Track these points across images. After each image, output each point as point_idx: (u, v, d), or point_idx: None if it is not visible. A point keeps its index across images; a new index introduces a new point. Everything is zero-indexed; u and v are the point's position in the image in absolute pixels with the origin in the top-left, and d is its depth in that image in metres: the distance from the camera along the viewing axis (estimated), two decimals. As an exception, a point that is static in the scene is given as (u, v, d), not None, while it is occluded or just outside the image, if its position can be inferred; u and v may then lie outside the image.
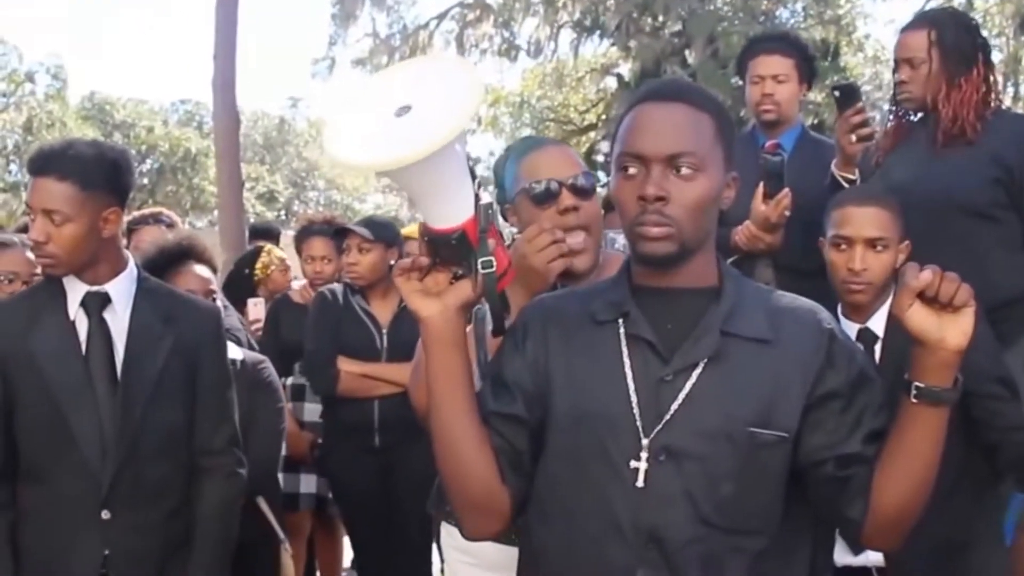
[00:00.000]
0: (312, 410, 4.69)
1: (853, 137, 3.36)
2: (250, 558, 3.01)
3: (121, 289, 2.61)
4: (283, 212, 38.93)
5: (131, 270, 2.66)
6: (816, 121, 15.57)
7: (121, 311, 2.60)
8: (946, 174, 3.28)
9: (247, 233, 8.40)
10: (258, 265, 5.33)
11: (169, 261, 3.29)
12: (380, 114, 1.72)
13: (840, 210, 2.79)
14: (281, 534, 3.48)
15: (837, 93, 3.46)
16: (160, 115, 38.54)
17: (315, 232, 4.91)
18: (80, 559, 2.52)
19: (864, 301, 2.74)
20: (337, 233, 4.75)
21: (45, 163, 2.52)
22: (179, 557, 2.65)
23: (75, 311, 2.57)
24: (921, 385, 1.64)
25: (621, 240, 3.33)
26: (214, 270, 3.63)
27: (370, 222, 4.54)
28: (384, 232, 4.34)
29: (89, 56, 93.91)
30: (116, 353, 2.56)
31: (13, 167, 32.00)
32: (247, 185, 20.00)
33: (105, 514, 2.51)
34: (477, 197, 1.78)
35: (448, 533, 2.44)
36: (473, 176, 1.80)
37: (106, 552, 2.52)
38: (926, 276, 1.60)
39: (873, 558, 2.57)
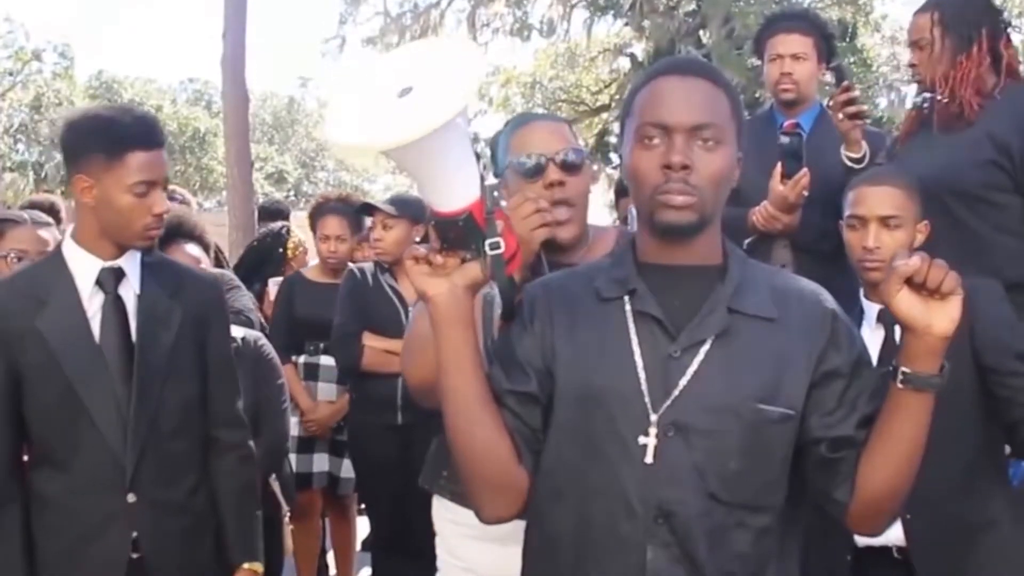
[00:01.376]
0: (325, 389, 4.69)
1: (840, 115, 3.37)
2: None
3: (131, 264, 2.55)
4: (292, 192, 38.98)
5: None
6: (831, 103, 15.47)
7: (132, 286, 2.54)
8: (939, 157, 3.26)
9: (256, 213, 8.40)
10: (290, 244, 5.34)
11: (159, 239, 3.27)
12: (382, 96, 1.70)
13: (854, 191, 2.81)
14: (284, 504, 3.50)
15: (831, 75, 3.47)
16: (168, 94, 38.64)
17: (330, 210, 4.89)
18: (109, 544, 2.48)
19: (880, 279, 2.71)
20: (361, 210, 4.75)
21: (159, 134, 2.51)
22: (205, 533, 2.64)
23: (88, 288, 2.50)
24: (907, 371, 1.65)
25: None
26: (206, 248, 3.60)
27: (395, 199, 4.55)
28: (408, 208, 4.35)
29: (97, 34, 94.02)
30: (130, 329, 2.52)
31: (20, 146, 32.05)
32: (256, 165, 20.02)
33: (131, 497, 2.47)
34: (482, 178, 1.76)
35: (440, 505, 2.43)
36: (477, 157, 1.77)
37: (135, 534, 2.48)
38: (914, 262, 1.60)
39: (893, 537, 2.59)
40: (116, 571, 2.47)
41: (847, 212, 2.80)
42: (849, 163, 3.38)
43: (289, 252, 5.34)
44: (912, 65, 3.44)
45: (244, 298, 4.15)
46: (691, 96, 1.74)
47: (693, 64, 1.84)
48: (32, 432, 2.49)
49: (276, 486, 3.48)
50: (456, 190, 1.72)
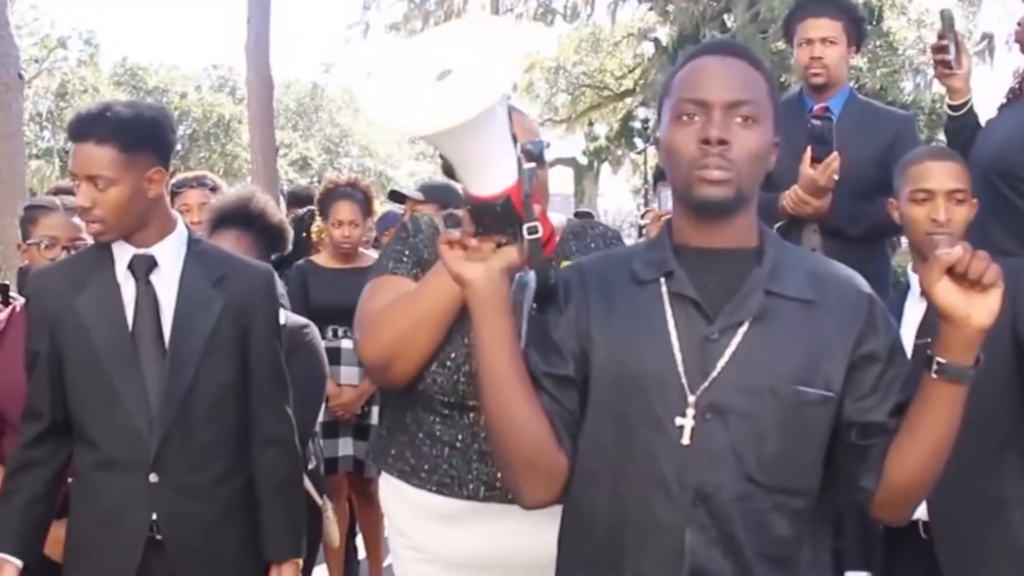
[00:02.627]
0: (348, 373, 4.68)
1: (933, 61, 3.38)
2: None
3: (168, 251, 2.58)
4: (316, 179, 39.03)
5: (180, 232, 2.62)
6: (856, 86, 15.38)
7: (169, 274, 2.57)
8: (998, 134, 3.22)
9: (282, 199, 8.41)
10: (313, 228, 5.33)
11: (212, 225, 3.28)
12: (420, 78, 1.70)
13: (918, 165, 2.80)
14: (319, 500, 3.47)
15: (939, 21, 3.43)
16: (193, 81, 38.75)
17: (341, 195, 4.85)
18: (128, 521, 2.51)
19: None
20: (392, 197, 4.74)
21: (84, 128, 2.49)
22: (231, 524, 2.63)
23: (122, 274, 2.55)
24: (943, 361, 1.64)
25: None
26: (267, 229, 3.57)
27: (424, 185, 4.53)
28: (437, 194, 4.33)
29: (121, 21, 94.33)
30: (163, 317, 2.55)
31: (46, 133, 32.20)
32: (280, 152, 20.03)
33: (153, 477, 2.50)
34: (520, 162, 1.75)
35: (390, 485, 2.41)
36: (514, 140, 1.77)
37: (154, 516, 2.51)
38: (957, 251, 1.59)
39: (921, 513, 2.59)
40: (135, 549, 2.50)
41: (908, 187, 2.79)
42: (949, 111, 3.38)
43: (313, 236, 5.34)
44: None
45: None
46: (729, 74, 1.74)
47: (731, 45, 1.85)
48: (69, 409, 2.55)
49: (308, 483, 3.44)
50: (494, 174, 1.72)
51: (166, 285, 2.56)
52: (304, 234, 5.38)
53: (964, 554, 2.62)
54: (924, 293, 2.63)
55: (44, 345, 2.54)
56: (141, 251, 2.55)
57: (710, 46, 1.84)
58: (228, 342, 2.60)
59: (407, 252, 2.33)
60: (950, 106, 3.38)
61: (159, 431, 2.49)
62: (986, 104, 3.44)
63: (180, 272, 2.58)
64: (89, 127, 2.48)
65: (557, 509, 1.88)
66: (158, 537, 2.51)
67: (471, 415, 2.23)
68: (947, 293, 1.61)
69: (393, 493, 2.39)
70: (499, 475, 2.21)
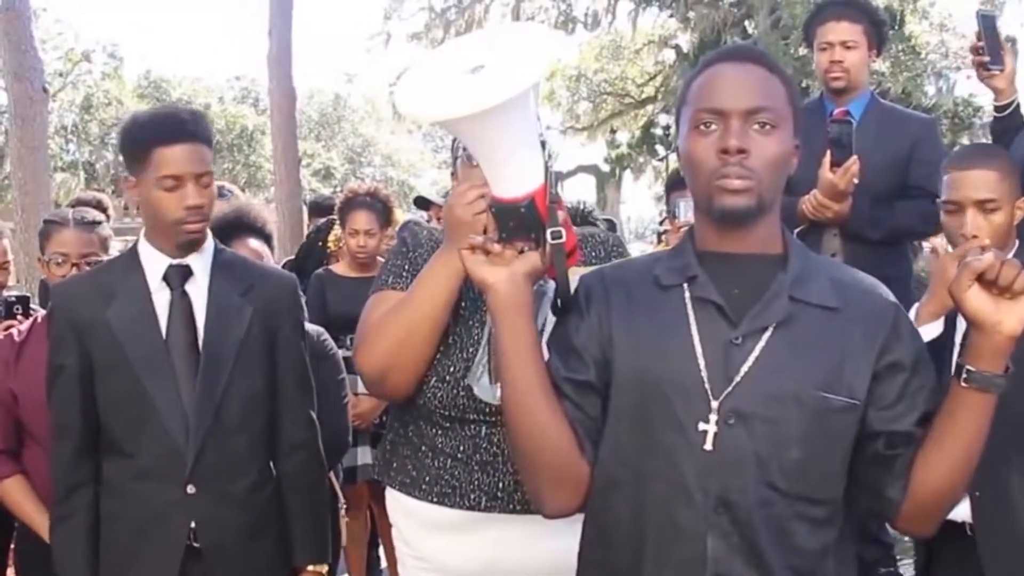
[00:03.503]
0: (366, 381, 4.67)
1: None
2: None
3: (201, 261, 2.59)
4: (339, 188, 39.07)
5: (209, 242, 2.64)
6: (879, 91, 15.32)
7: (201, 284, 2.58)
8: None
9: (304, 209, 8.44)
10: (330, 238, 5.33)
11: (224, 232, 3.28)
12: (454, 73, 1.71)
13: (948, 175, 2.77)
14: (342, 498, 3.50)
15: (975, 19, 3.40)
16: (216, 92, 38.88)
17: (359, 205, 4.86)
18: (167, 531, 2.51)
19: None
20: (418, 203, 4.73)
21: (189, 129, 2.52)
22: (267, 529, 2.65)
23: (156, 284, 2.55)
24: (972, 369, 1.61)
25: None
26: (268, 240, 3.60)
27: (449, 192, 4.53)
28: None
29: (145, 34, 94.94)
30: (197, 326, 2.56)
31: (71, 146, 32.39)
32: (303, 162, 20.14)
33: (191, 488, 2.50)
34: (547, 165, 1.75)
35: (394, 498, 2.42)
36: (543, 145, 1.76)
37: (192, 524, 2.52)
38: (987, 259, 1.58)
39: (962, 513, 2.57)
40: (173, 559, 2.50)
41: (943, 196, 2.77)
42: (995, 112, 3.37)
43: (331, 245, 5.34)
44: None
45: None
46: (746, 81, 1.72)
47: (747, 51, 1.82)
48: (101, 420, 2.54)
49: (335, 480, 3.48)
50: (520, 174, 1.72)
51: (198, 295, 2.57)
52: (321, 243, 5.40)
53: (1009, 556, 2.58)
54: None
55: (72, 358, 2.53)
56: (176, 261, 2.56)
57: (726, 52, 1.82)
58: (258, 350, 2.61)
59: (406, 267, 2.34)
60: (995, 107, 3.36)
61: (195, 442, 2.49)
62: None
63: (208, 281, 2.59)
64: (193, 128, 2.52)
65: (559, 519, 1.87)
66: (195, 545, 2.52)
67: (472, 427, 2.25)
68: (977, 301, 1.59)
69: (397, 505, 2.41)
70: (500, 485, 2.23)
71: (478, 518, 2.26)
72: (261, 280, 2.69)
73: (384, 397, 2.33)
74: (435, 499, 2.28)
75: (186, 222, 2.51)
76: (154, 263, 2.56)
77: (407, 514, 2.37)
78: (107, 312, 2.51)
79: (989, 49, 3.26)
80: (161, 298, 2.55)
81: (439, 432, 2.29)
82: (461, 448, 2.26)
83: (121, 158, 2.61)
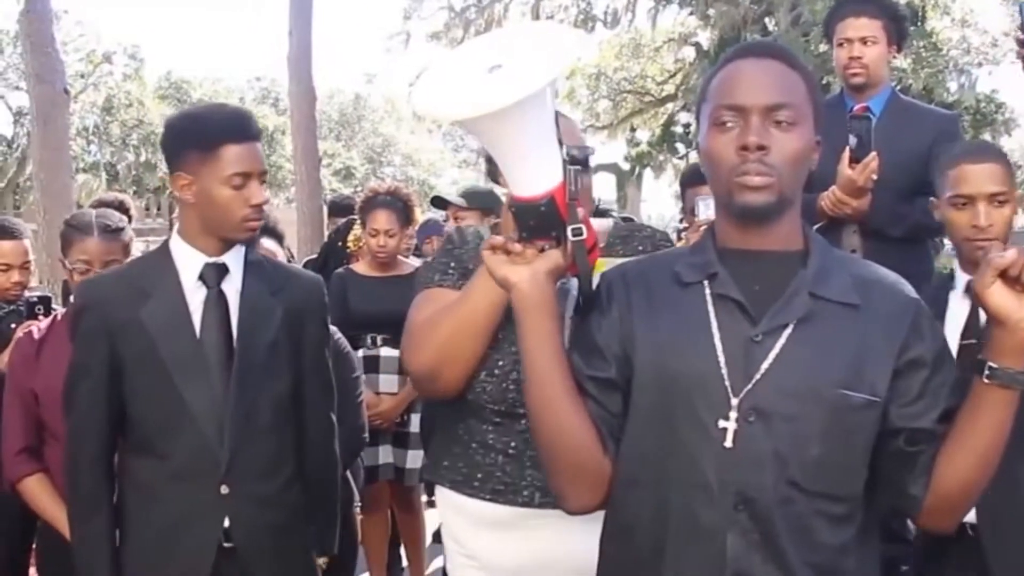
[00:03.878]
0: (387, 381, 4.69)
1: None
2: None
3: (235, 261, 2.60)
4: (359, 188, 39.18)
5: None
6: (900, 87, 15.22)
7: (235, 282, 2.58)
8: None
9: (325, 209, 8.45)
10: (350, 238, 5.34)
11: None
12: (472, 71, 1.71)
13: (956, 169, 2.76)
14: (357, 497, 3.51)
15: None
16: (236, 93, 39.01)
17: (379, 204, 4.86)
18: (200, 531, 2.52)
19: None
20: (435, 203, 4.74)
21: (252, 128, 2.56)
22: (299, 526, 2.67)
23: (191, 282, 2.55)
24: (995, 366, 1.62)
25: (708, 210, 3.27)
26: (280, 240, 3.62)
27: (466, 191, 4.54)
28: (479, 199, 4.35)
29: (165, 36, 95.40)
30: (231, 326, 2.56)
31: (92, 147, 32.53)
32: (323, 162, 20.15)
33: (224, 489, 2.51)
34: (565, 163, 1.74)
35: (444, 495, 2.43)
36: (560, 143, 1.75)
37: (226, 524, 2.53)
38: (1011, 255, 1.58)
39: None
40: (206, 559, 2.51)
41: (948, 191, 2.76)
42: None
43: (351, 244, 5.35)
44: None
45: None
46: (765, 77, 1.72)
47: (767, 46, 1.83)
48: (132, 420, 2.54)
49: (351, 478, 3.49)
50: (539, 173, 1.72)
51: (233, 294, 2.57)
52: (340, 243, 5.41)
53: (1014, 555, 2.57)
54: (968, 292, 2.62)
55: (99, 359, 2.52)
56: (212, 259, 2.56)
57: (745, 48, 1.81)
58: (287, 351, 2.62)
59: (452, 264, 2.33)
60: None
61: (229, 442, 2.50)
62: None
63: (241, 280, 2.59)
64: (256, 128, 2.57)
65: None
66: (226, 545, 2.52)
67: (523, 421, 2.22)
68: (1000, 297, 1.59)
69: (448, 503, 2.41)
70: None
71: (530, 514, 2.26)
72: (290, 281, 2.70)
73: (435, 395, 2.32)
74: (487, 496, 2.28)
75: (250, 219, 2.52)
76: (189, 262, 2.56)
77: (458, 511, 2.38)
78: (141, 312, 2.50)
79: None
80: (196, 297, 2.54)
81: (490, 428, 2.29)
82: (513, 444, 2.26)
83: (165, 155, 2.60)
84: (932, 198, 2.86)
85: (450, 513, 2.42)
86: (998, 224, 2.69)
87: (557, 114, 1.87)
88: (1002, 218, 2.70)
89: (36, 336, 3.05)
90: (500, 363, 2.23)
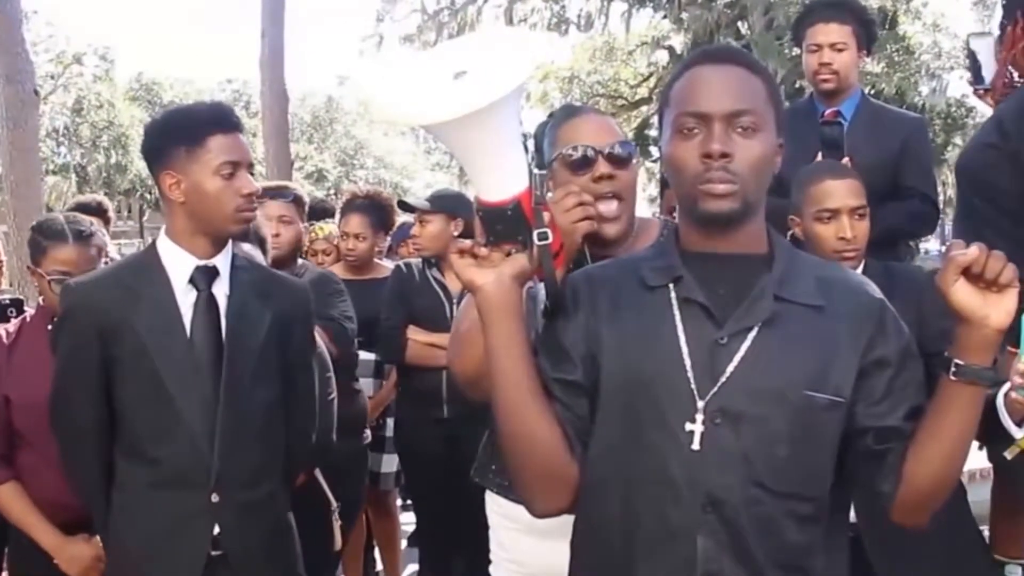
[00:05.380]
0: (363, 384, 4.68)
1: None
2: (303, 525, 3.00)
3: (225, 262, 2.57)
4: (332, 191, 39.09)
5: (229, 244, 2.62)
6: (873, 91, 15.33)
7: (224, 285, 2.56)
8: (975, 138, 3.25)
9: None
10: (305, 239, 5.31)
11: None
12: (436, 78, 1.71)
13: (819, 185, 2.89)
14: (332, 500, 3.49)
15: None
16: (207, 95, 38.84)
17: (354, 208, 4.87)
18: (190, 538, 2.50)
19: (857, 266, 2.86)
20: (400, 207, 4.76)
21: (238, 120, 2.57)
22: (288, 532, 2.68)
23: (181, 284, 2.52)
24: (961, 363, 1.63)
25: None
26: (263, 243, 3.59)
27: (432, 195, 4.55)
28: (444, 203, 4.35)
29: (136, 37, 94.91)
30: (221, 329, 2.53)
31: (62, 149, 32.32)
32: (296, 164, 20.10)
33: (215, 497, 2.49)
34: (531, 168, 1.75)
35: (492, 500, 2.45)
36: (526, 148, 1.76)
37: (216, 531, 2.51)
38: (973, 252, 1.58)
39: None
40: (195, 567, 2.50)
41: (813, 206, 2.87)
42: None
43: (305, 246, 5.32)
44: None
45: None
46: (727, 83, 1.72)
47: (727, 52, 1.84)
48: (122, 424, 2.52)
49: (323, 481, 3.47)
50: (505, 178, 1.72)
51: (222, 297, 2.55)
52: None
53: (894, 554, 2.63)
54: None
55: (91, 361, 2.49)
56: (203, 262, 2.53)
57: (706, 54, 1.82)
58: (274, 357, 2.61)
59: None
60: None
61: (220, 450, 2.48)
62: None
63: (229, 283, 2.57)
64: (234, 117, 2.57)
65: None
66: (214, 553, 2.51)
67: None
68: (964, 294, 1.60)
69: (495, 507, 2.44)
70: None
71: None
72: (279, 287, 2.69)
73: (479, 400, 2.32)
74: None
75: (243, 210, 2.51)
76: (178, 264, 2.53)
77: (505, 516, 2.40)
78: (133, 315, 2.47)
79: None
80: (185, 300, 2.51)
81: None
82: None
83: (149, 158, 2.57)
84: (792, 216, 2.93)
85: (497, 518, 2.44)
86: (860, 235, 2.83)
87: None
88: (863, 230, 2.84)
89: (6, 340, 2.99)
90: None
